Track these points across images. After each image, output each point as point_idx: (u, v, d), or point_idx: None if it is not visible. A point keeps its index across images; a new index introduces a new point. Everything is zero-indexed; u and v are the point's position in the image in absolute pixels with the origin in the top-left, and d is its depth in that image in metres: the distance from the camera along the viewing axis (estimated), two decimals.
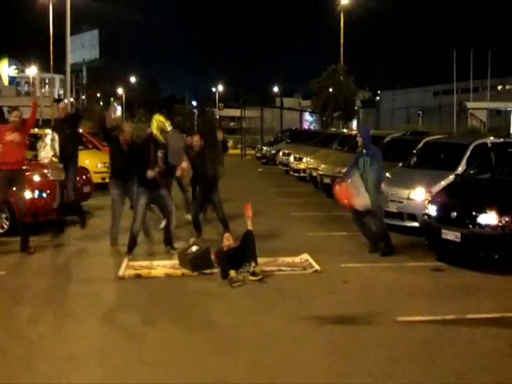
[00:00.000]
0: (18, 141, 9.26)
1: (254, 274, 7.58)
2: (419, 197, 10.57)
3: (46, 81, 63.86)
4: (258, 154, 33.00)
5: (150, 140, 8.96)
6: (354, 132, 23.39)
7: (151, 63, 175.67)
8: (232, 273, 7.47)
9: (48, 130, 9.69)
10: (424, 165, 11.99)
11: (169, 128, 9.06)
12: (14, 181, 9.29)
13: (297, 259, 8.65)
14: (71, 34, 26.87)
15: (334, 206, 14.00)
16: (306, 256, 8.72)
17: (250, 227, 8.27)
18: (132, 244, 8.92)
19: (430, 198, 9.59)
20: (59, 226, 10.47)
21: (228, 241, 8.18)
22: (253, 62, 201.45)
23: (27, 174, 11.60)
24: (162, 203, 9.20)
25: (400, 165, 12.39)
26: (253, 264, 7.68)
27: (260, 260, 8.20)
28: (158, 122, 8.91)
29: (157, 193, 8.96)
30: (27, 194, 10.43)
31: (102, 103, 63.35)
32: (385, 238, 9.21)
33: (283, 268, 8.17)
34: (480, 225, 8.13)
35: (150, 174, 8.65)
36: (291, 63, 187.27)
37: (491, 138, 13.10)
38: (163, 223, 9.95)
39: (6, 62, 60.09)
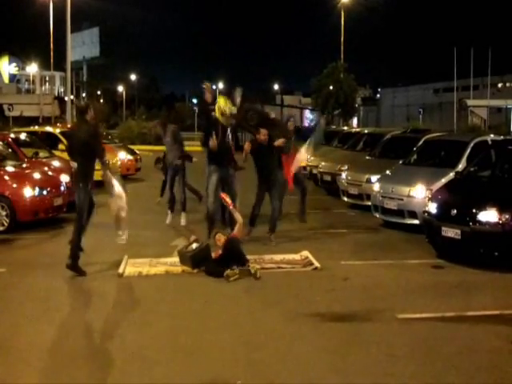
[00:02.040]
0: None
1: (249, 271, 7.60)
2: (419, 194, 10.57)
3: (47, 78, 63.84)
4: None
5: (217, 121, 9.42)
6: (354, 130, 23.44)
7: (151, 61, 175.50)
8: (227, 270, 7.47)
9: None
10: (424, 162, 12.00)
11: (228, 111, 9.33)
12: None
13: (297, 256, 8.65)
14: (71, 32, 26.91)
15: (334, 203, 14.05)
16: (306, 253, 8.72)
17: (237, 217, 8.48)
18: (211, 225, 9.26)
19: (430, 196, 9.59)
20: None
21: (220, 242, 8.10)
22: (253, 59, 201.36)
23: (27, 171, 11.68)
24: (229, 182, 9.53)
25: (400, 162, 12.39)
26: (247, 264, 7.69)
27: (260, 257, 8.21)
28: (219, 106, 9.26)
29: (226, 171, 9.43)
30: (27, 192, 10.46)
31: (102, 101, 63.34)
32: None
33: (283, 265, 8.17)
34: (480, 222, 8.13)
35: (212, 143, 9.06)
36: (291, 61, 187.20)
37: (491, 135, 13.15)
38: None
39: (6, 59, 60.14)
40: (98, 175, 15.00)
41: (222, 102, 9.33)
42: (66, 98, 30.78)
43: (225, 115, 9.30)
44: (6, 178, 10.89)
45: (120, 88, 79.62)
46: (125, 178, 18.78)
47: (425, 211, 9.15)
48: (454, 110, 48.46)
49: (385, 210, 11.19)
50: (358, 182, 13.29)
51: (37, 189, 10.61)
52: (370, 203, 12.01)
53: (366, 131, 19.60)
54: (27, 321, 6.10)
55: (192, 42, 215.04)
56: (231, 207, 8.74)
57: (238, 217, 8.53)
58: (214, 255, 7.96)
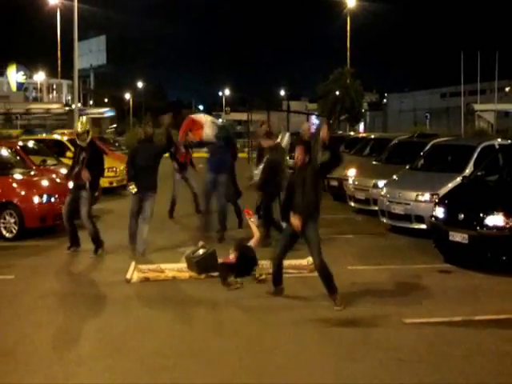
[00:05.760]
0: None
1: (256, 278, 7.78)
2: (427, 199, 10.55)
3: (54, 86, 64.12)
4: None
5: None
6: (360, 135, 23.45)
7: (158, 68, 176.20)
8: (229, 278, 7.55)
9: None
10: (431, 167, 11.98)
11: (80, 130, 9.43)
12: None
13: (303, 262, 8.63)
14: (78, 40, 27.00)
15: (341, 208, 14.04)
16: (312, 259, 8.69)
17: (254, 230, 8.45)
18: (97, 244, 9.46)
19: (437, 200, 9.57)
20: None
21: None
22: (259, 65, 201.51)
23: (35, 179, 11.75)
24: (80, 202, 9.31)
25: (407, 167, 12.37)
26: (254, 268, 7.84)
27: (267, 263, 8.22)
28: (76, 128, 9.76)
29: (78, 191, 9.28)
30: (35, 199, 10.52)
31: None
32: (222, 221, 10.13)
33: (290, 270, 8.15)
34: (487, 226, 8.11)
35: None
36: (298, 67, 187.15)
37: (499, 139, 13.06)
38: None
39: (14, 68, 60.44)
40: (105, 182, 15.08)
41: (79, 124, 9.59)
42: (74, 106, 30.90)
43: (79, 136, 9.40)
44: (15, 185, 10.95)
45: (127, 95, 79.94)
46: None
47: (432, 216, 9.14)
48: (461, 114, 48.33)
49: (392, 215, 11.18)
50: (365, 187, 13.29)
51: (45, 196, 10.65)
52: (376, 208, 12.00)
53: (372, 136, 19.59)
54: (35, 327, 6.13)
55: (198, 48, 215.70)
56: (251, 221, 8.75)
57: (255, 230, 8.54)
58: (221, 261, 7.99)
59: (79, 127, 9.46)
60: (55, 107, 40.71)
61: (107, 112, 44.03)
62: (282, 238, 7.36)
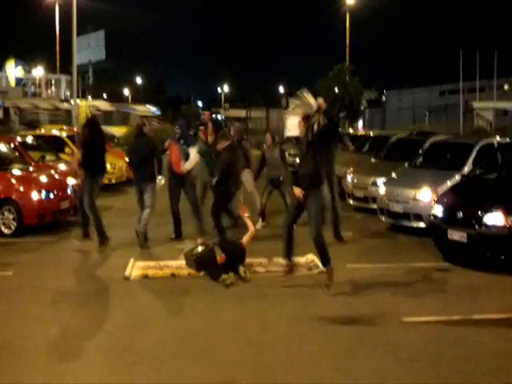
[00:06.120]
0: None
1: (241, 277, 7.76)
2: (425, 197, 10.56)
3: (53, 82, 63.94)
4: None
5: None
6: (360, 133, 23.46)
7: (157, 64, 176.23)
8: (223, 275, 7.58)
9: None
10: (430, 165, 11.96)
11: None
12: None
13: (302, 259, 8.65)
14: (77, 35, 26.92)
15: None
16: (311, 256, 8.71)
17: (250, 226, 8.47)
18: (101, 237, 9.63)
19: (436, 199, 9.58)
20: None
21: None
22: (258, 61, 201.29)
23: (34, 175, 11.73)
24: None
25: (406, 165, 12.37)
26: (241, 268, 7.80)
27: (266, 261, 8.23)
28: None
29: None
30: (34, 195, 10.51)
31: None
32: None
33: None
34: (486, 225, 8.12)
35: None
36: (297, 63, 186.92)
37: (497, 137, 13.08)
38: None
39: (12, 62, 60.24)
40: (104, 179, 15.02)
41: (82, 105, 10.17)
42: (72, 102, 30.82)
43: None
44: (13, 181, 10.93)
45: (126, 91, 79.80)
46: (131, 183, 18.89)
47: (431, 214, 9.15)
48: (460, 112, 48.33)
49: (391, 213, 11.18)
50: (364, 185, 13.29)
51: (43, 192, 10.65)
52: (375, 206, 12.00)
53: (371, 134, 19.58)
54: (34, 323, 6.13)
55: (197, 45, 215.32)
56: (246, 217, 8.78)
57: (250, 226, 8.55)
58: (219, 259, 7.99)
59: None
60: (101, 105, 40.46)
61: (152, 110, 44.52)
62: (289, 209, 8.16)
